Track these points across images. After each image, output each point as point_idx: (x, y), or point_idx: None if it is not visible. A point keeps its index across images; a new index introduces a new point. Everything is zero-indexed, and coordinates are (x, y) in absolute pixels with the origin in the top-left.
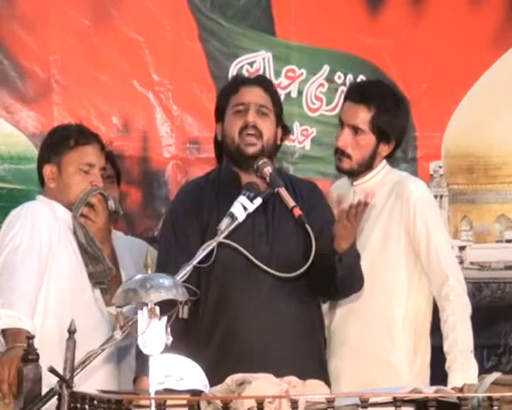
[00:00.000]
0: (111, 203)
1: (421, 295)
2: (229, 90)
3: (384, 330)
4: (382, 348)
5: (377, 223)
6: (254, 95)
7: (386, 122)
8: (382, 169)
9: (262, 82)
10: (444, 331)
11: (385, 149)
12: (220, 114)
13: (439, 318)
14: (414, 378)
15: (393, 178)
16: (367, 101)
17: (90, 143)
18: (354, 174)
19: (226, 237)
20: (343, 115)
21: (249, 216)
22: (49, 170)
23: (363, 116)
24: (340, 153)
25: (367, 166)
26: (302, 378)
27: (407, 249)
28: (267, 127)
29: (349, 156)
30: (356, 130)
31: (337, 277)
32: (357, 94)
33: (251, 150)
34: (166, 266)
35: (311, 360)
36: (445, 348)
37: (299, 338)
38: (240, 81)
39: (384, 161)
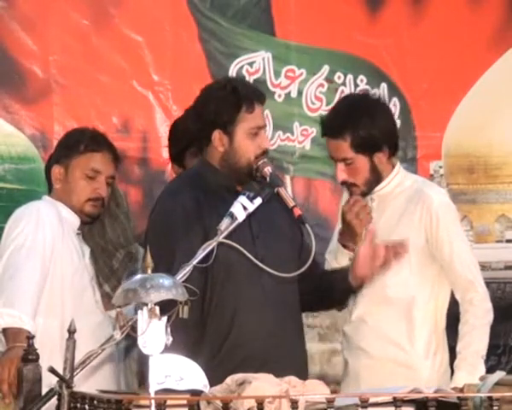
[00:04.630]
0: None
1: (440, 297)
2: (241, 104)
3: (403, 332)
4: (402, 349)
5: (397, 230)
6: (263, 116)
7: (367, 138)
8: (397, 174)
9: (264, 101)
10: (461, 331)
11: (381, 156)
12: (223, 124)
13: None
14: (435, 377)
15: (412, 185)
16: (340, 133)
17: (101, 150)
18: (369, 193)
19: (227, 238)
20: (329, 152)
21: (247, 217)
22: (57, 170)
23: (343, 147)
24: (344, 185)
25: (375, 180)
26: (302, 379)
27: (427, 256)
28: None
29: (354, 184)
30: (345, 161)
31: (331, 297)
32: (328, 129)
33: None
34: (170, 270)
35: (305, 359)
36: (458, 347)
37: (298, 338)
38: (253, 97)
39: (397, 166)
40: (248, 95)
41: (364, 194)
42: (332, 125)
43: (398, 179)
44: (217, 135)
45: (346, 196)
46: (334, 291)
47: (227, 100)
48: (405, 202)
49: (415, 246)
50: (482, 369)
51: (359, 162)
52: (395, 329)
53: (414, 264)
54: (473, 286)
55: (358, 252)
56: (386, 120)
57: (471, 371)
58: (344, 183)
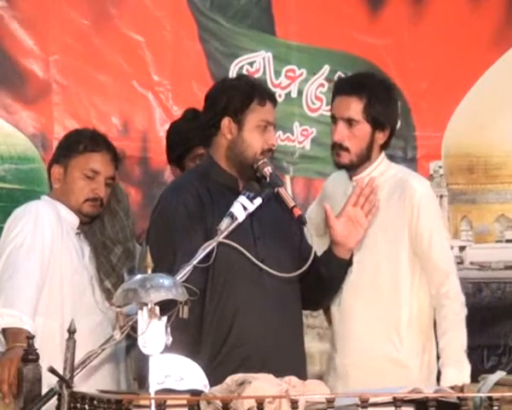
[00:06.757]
0: None
1: (422, 293)
2: (254, 95)
3: (392, 329)
4: (391, 347)
5: (380, 221)
6: (273, 114)
7: (379, 110)
8: (381, 162)
9: (275, 103)
10: (441, 327)
11: (380, 137)
12: (234, 112)
13: None
14: (424, 376)
15: (395, 173)
16: (358, 91)
17: (100, 150)
18: (353, 168)
19: (229, 238)
20: (335, 110)
21: (248, 217)
22: (56, 171)
23: (355, 107)
24: (337, 147)
25: (365, 157)
26: (302, 378)
27: (409, 248)
28: None
29: (347, 149)
30: (350, 122)
31: (322, 278)
32: (347, 86)
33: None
34: (170, 269)
35: (304, 360)
36: (441, 344)
37: (298, 338)
38: (266, 94)
39: (383, 154)
40: (262, 89)
41: (351, 165)
42: (352, 82)
43: (382, 168)
44: (226, 122)
45: (329, 183)
46: (322, 271)
47: (240, 88)
48: (389, 193)
49: (399, 239)
50: (467, 364)
51: (363, 130)
52: (383, 326)
53: (397, 257)
54: (447, 279)
55: (342, 211)
56: (396, 104)
57: (459, 367)
58: (337, 145)
